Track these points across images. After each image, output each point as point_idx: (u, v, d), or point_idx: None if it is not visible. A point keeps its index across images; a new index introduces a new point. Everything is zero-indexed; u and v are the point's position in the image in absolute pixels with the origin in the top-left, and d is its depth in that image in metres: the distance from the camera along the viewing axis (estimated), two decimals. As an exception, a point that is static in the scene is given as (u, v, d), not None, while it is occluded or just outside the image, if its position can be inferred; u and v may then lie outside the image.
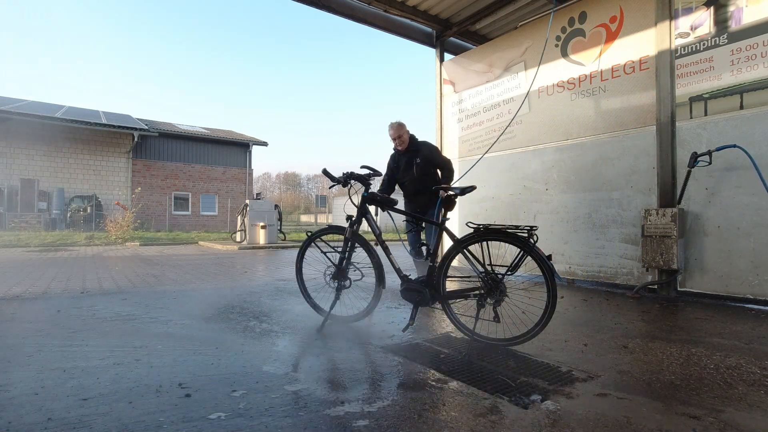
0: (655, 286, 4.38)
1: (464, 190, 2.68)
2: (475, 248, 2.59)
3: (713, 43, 4.12)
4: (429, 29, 7.09)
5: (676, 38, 4.37)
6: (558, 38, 5.42)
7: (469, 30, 7.04)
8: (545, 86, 5.55)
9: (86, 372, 2.10)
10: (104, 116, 20.69)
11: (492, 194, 6.16)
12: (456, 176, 6.71)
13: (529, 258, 2.38)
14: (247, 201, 12.98)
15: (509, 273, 2.45)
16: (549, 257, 2.36)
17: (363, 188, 3.05)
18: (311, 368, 2.20)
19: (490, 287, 2.48)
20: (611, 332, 2.95)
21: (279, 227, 13.45)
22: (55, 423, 1.57)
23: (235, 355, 2.40)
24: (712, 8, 4.15)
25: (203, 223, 22.39)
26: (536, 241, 2.39)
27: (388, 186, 4.34)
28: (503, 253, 2.53)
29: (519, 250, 2.40)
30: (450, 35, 7.02)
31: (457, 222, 6.27)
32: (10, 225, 16.51)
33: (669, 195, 4.28)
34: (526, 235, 2.40)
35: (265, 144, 25.10)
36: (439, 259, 2.76)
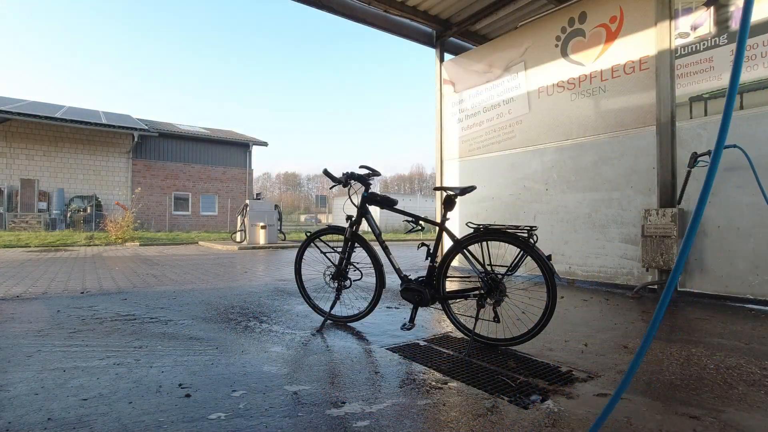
0: (655, 286, 4.38)
1: (464, 190, 2.68)
2: (475, 248, 2.59)
3: (713, 43, 4.12)
4: (429, 29, 7.09)
5: (676, 38, 4.37)
6: (558, 38, 5.42)
7: (469, 30, 7.04)
8: (545, 86, 5.55)
9: (86, 372, 2.10)
10: (104, 116, 20.69)
11: (492, 194, 6.16)
12: (456, 178, 6.73)
13: (529, 258, 2.38)
14: (247, 201, 12.99)
15: (509, 273, 2.45)
16: (549, 257, 2.36)
17: (363, 188, 3.05)
18: (311, 368, 2.20)
19: (490, 287, 2.48)
20: (611, 332, 2.95)
21: (279, 227, 13.46)
22: (55, 423, 1.57)
23: (235, 355, 2.40)
24: (712, 8, 4.15)
25: (203, 223, 22.40)
26: (536, 241, 2.39)
27: None
28: (503, 253, 2.53)
29: (519, 250, 2.39)
30: (450, 35, 7.02)
31: (457, 222, 6.27)
32: (10, 225, 16.51)
33: (669, 195, 4.28)
34: (526, 235, 2.40)
35: (265, 144, 25.12)
36: (439, 259, 2.76)
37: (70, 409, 1.68)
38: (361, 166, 3.09)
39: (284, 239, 13.80)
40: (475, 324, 2.52)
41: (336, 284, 3.13)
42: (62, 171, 18.81)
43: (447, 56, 7.19)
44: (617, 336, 2.85)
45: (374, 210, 3.25)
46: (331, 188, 3.37)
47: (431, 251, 2.74)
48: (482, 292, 2.51)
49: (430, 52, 7.28)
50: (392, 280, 3.26)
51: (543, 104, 5.58)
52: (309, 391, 1.90)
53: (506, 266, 2.45)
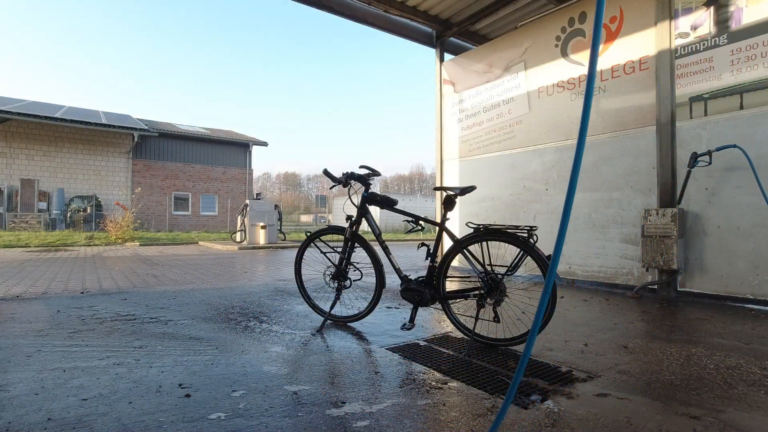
0: (655, 287, 4.38)
1: (464, 190, 2.68)
2: (474, 248, 2.59)
3: (713, 43, 4.12)
4: (429, 29, 7.09)
5: (676, 38, 4.37)
6: (558, 38, 5.42)
7: (469, 30, 7.04)
8: (545, 86, 5.55)
9: (86, 372, 2.10)
10: (104, 116, 20.69)
11: (492, 194, 6.16)
12: (456, 178, 6.73)
13: (529, 258, 2.38)
14: (247, 201, 12.99)
15: (509, 273, 2.45)
16: (549, 257, 2.36)
17: (363, 188, 3.05)
18: (311, 368, 2.20)
19: (490, 287, 2.48)
20: (611, 332, 2.95)
21: (279, 227, 13.46)
22: (55, 423, 1.57)
23: (235, 355, 2.40)
24: (712, 8, 4.15)
25: (203, 223, 22.40)
26: (536, 241, 2.39)
27: None
28: (503, 253, 2.53)
29: (519, 250, 2.40)
30: (450, 35, 7.02)
31: (457, 222, 6.28)
32: (10, 225, 16.52)
33: (669, 195, 4.28)
34: (525, 235, 2.40)
35: (265, 144, 25.12)
36: (439, 259, 2.76)
37: (70, 409, 1.68)
38: (361, 166, 3.09)
39: (284, 239, 13.80)
40: (475, 324, 2.52)
41: (336, 284, 3.13)
42: (62, 171, 18.81)
43: (447, 56, 7.19)
44: (617, 336, 2.85)
45: (374, 210, 3.25)
46: (331, 188, 3.37)
47: (431, 251, 2.73)
48: (482, 292, 2.51)
49: (431, 52, 7.29)
50: (392, 280, 3.26)
51: (543, 104, 5.58)
52: (309, 391, 1.90)
53: (506, 266, 2.45)
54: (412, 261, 7.84)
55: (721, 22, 4.08)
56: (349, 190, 3.09)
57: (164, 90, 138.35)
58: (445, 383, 2.01)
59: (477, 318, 2.49)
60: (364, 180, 3.03)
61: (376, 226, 3.12)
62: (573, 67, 5.26)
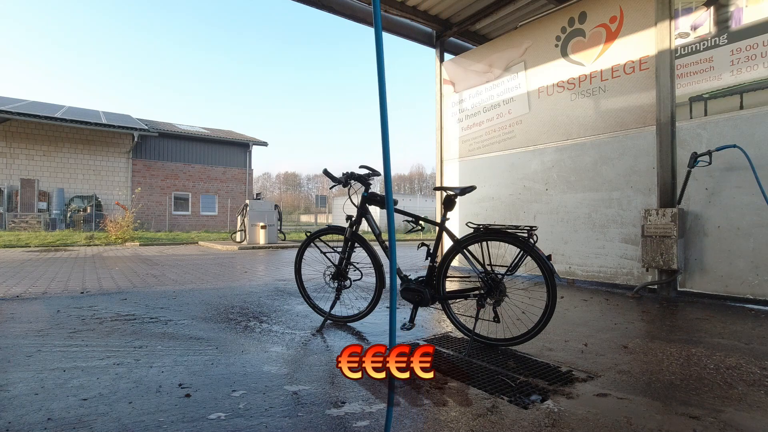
0: (655, 287, 4.38)
1: (464, 190, 2.68)
2: (474, 248, 2.59)
3: (713, 43, 4.12)
4: (429, 29, 7.09)
5: (676, 38, 4.37)
6: (558, 38, 5.42)
7: (469, 30, 7.04)
8: (545, 86, 5.55)
9: (86, 372, 2.10)
10: (104, 116, 20.69)
11: (492, 194, 6.16)
12: (456, 178, 6.72)
13: (528, 258, 2.38)
14: (247, 201, 12.98)
15: (509, 273, 2.45)
16: (549, 257, 2.36)
17: (363, 188, 3.05)
18: (311, 368, 2.20)
19: (490, 287, 2.48)
20: (611, 332, 2.95)
21: (279, 227, 13.46)
22: (55, 423, 1.57)
23: (235, 355, 2.40)
24: (712, 8, 4.15)
25: (203, 223, 22.39)
26: (536, 241, 2.39)
27: None
28: (503, 253, 2.53)
29: (519, 250, 2.40)
30: (450, 35, 7.02)
31: (457, 222, 6.27)
32: (10, 225, 16.52)
33: (669, 195, 4.28)
34: (525, 235, 2.40)
35: (265, 144, 25.12)
36: (439, 259, 2.76)
37: (70, 409, 1.68)
38: (361, 166, 3.09)
39: (284, 239, 13.80)
40: (475, 324, 2.51)
41: (336, 284, 3.13)
42: (62, 171, 18.81)
43: (447, 56, 7.19)
44: (617, 336, 2.85)
45: (374, 210, 3.25)
46: (331, 188, 3.37)
47: (431, 251, 2.73)
48: (482, 292, 2.51)
49: (431, 52, 7.28)
50: (392, 280, 3.26)
51: (543, 104, 5.58)
52: (309, 391, 1.90)
53: (506, 266, 2.45)
54: (412, 261, 7.84)
55: (721, 22, 4.08)
56: (349, 190, 3.09)
57: (164, 90, 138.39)
58: (445, 383, 2.01)
59: (477, 318, 2.49)
60: (364, 180, 3.03)
61: (376, 226, 3.12)
62: (573, 67, 5.26)
